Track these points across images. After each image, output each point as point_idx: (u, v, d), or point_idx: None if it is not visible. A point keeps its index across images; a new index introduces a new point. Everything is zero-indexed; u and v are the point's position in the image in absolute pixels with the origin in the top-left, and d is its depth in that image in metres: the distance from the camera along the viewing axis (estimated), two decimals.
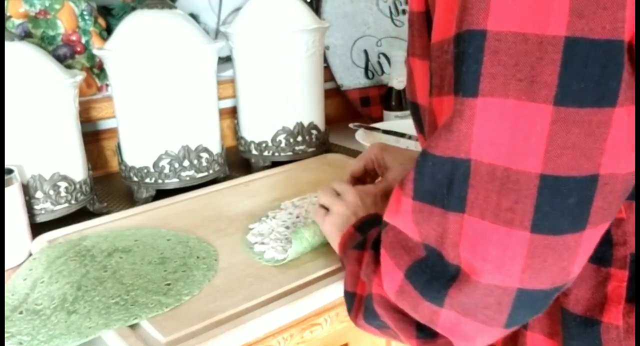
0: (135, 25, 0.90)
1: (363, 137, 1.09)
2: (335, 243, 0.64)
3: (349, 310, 0.54)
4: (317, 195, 0.72)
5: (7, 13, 1.00)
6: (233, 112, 1.20)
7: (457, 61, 0.37)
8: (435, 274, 0.41)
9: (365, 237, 0.56)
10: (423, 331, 0.45)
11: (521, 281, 0.38)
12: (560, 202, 0.36)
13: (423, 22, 0.45)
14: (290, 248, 0.68)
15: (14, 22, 1.01)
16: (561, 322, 0.45)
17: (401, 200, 0.42)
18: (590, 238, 0.37)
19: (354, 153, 1.15)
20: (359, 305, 0.52)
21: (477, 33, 0.35)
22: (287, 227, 0.77)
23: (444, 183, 0.39)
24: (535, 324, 0.47)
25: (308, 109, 1.07)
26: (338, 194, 0.67)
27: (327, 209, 0.67)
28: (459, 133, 0.37)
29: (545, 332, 0.47)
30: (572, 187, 0.35)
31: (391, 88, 1.27)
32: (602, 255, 0.42)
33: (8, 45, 0.79)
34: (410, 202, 0.41)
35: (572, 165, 0.35)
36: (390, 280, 0.44)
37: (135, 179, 0.95)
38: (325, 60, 1.28)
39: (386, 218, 0.45)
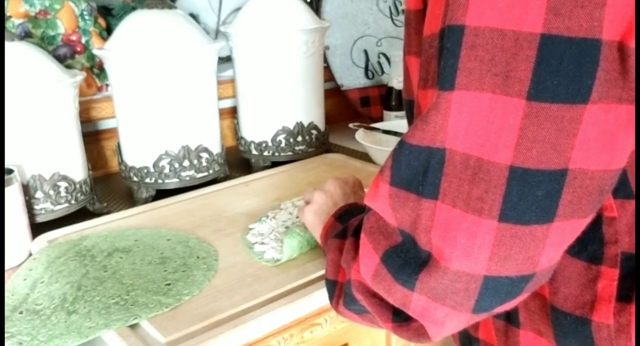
0: (135, 25, 0.90)
1: (363, 137, 1.09)
2: (317, 234, 0.65)
3: (330, 298, 0.55)
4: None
5: (7, 13, 1.00)
6: (233, 112, 1.20)
7: (439, 55, 0.39)
8: (408, 259, 0.42)
9: (346, 225, 0.57)
10: (399, 315, 0.46)
11: (488, 268, 0.39)
12: (528, 193, 0.37)
13: (420, 20, 0.46)
14: (285, 246, 0.68)
15: (14, 22, 1.01)
16: (552, 320, 0.45)
17: (379, 185, 0.43)
18: (560, 232, 0.38)
19: (354, 153, 1.15)
20: (339, 292, 0.53)
21: (456, 28, 0.37)
22: (287, 227, 0.77)
23: (420, 170, 0.40)
24: (527, 322, 0.47)
25: (308, 109, 1.07)
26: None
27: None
28: (434, 124, 0.38)
29: (537, 330, 0.47)
30: (540, 179, 0.36)
31: (391, 88, 1.27)
32: (593, 253, 0.43)
33: (8, 45, 0.79)
34: (387, 188, 0.43)
35: (542, 159, 0.36)
36: (367, 264, 0.46)
37: (135, 179, 0.95)
38: (325, 60, 1.28)
39: (366, 201, 0.47)
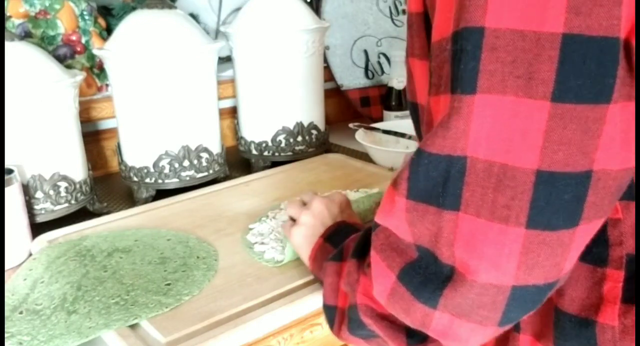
0: (135, 25, 0.90)
1: (363, 137, 1.09)
2: (305, 256, 0.64)
3: (331, 324, 0.53)
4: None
5: (7, 13, 1.00)
6: (233, 112, 1.20)
7: (454, 59, 0.37)
8: (429, 275, 0.41)
9: (341, 247, 0.55)
10: (413, 337, 0.45)
11: (516, 278, 0.38)
12: (555, 198, 0.36)
13: (421, 22, 0.46)
14: (287, 248, 0.68)
15: (14, 22, 1.01)
16: (554, 323, 0.45)
17: (395, 200, 0.41)
18: (582, 235, 0.38)
19: (354, 153, 1.15)
20: (341, 317, 0.52)
21: (475, 30, 0.36)
22: None
23: (439, 181, 0.38)
24: (527, 326, 0.47)
25: (308, 109, 1.07)
26: (305, 205, 0.68)
27: (294, 221, 0.67)
28: (456, 130, 0.37)
29: (538, 334, 0.47)
30: (567, 182, 0.36)
31: (391, 88, 1.27)
32: (599, 256, 0.42)
33: (8, 45, 0.79)
34: (404, 201, 0.41)
35: (568, 161, 0.35)
36: (382, 283, 0.44)
37: (135, 179, 0.95)
38: (325, 60, 1.28)
39: (378, 219, 0.45)
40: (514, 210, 0.36)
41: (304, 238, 0.63)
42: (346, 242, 0.56)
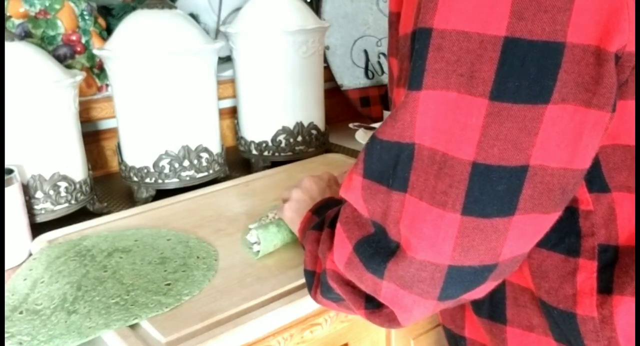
0: (135, 25, 0.90)
1: (363, 137, 1.09)
2: (296, 229, 0.67)
3: (309, 288, 0.57)
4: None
5: (7, 13, 1.00)
6: (233, 112, 1.20)
7: (410, 57, 0.41)
8: (379, 249, 0.44)
9: (323, 218, 0.58)
10: (371, 302, 0.48)
11: (452, 258, 0.40)
12: (490, 188, 0.38)
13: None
14: (262, 240, 0.70)
15: (14, 22, 1.01)
16: (543, 313, 0.46)
17: (353, 178, 0.45)
18: (521, 225, 0.39)
19: (354, 154, 1.15)
20: (317, 282, 0.55)
21: (424, 31, 0.38)
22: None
23: (390, 164, 0.42)
24: (514, 318, 0.49)
25: (308, 109, 1.07)
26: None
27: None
28: (403, 122, 0.40)
29: (527, 325, 0.48)
30: (501, 175, 0.38)
31: None
32: (571, 246, 0.44)
33: (8, 45, 0.79)
34: (360, 180, 0.44)
35: (503, 156, 0.38)
36: (341, 252, 0.47)
37: (135, 179, 0.95)
38: (325, 60, 1.28)
39: (341, 193, 0.48)
40: (451, 197, 0.39)
41: (295, 212, 0.67)
42: (328, 212, 0.58)
